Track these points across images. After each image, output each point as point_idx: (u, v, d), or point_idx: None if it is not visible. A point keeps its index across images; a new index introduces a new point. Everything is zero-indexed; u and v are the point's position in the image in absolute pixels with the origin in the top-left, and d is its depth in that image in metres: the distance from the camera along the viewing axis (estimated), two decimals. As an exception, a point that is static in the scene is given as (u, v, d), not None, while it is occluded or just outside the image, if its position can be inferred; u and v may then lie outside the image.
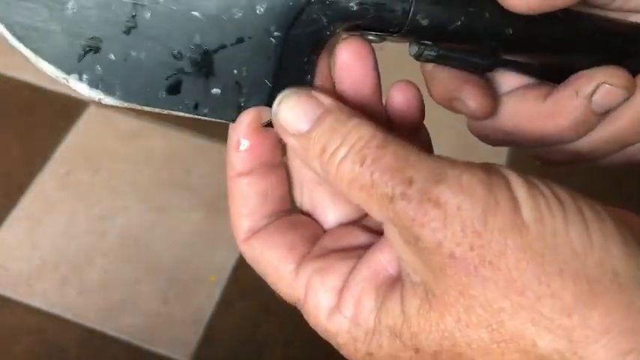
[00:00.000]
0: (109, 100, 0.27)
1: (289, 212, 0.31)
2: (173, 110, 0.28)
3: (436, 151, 0.30)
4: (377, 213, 0.26)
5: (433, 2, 0.29)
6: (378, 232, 0.29)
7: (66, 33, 0.26)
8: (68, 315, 1.09)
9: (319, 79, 0.30)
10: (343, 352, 0.28)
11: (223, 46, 0.28)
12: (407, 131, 0.31)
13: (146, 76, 0.27)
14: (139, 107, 0.27)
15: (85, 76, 0.27)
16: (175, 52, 0.27)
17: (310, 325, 0.28)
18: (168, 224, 1.20)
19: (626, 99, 0.33)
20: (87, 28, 0.26)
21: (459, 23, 0.30)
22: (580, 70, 0.33)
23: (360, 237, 0.30)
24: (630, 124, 0.34)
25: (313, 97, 0.28)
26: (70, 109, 1.34)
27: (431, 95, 0.35)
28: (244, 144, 0.29)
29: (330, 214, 0.31)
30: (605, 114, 0.33)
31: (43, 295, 1.11)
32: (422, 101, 0.31)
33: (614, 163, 0.37)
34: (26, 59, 0.27)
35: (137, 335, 1.08)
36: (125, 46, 0.27)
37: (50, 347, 1.07)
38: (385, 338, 0.26)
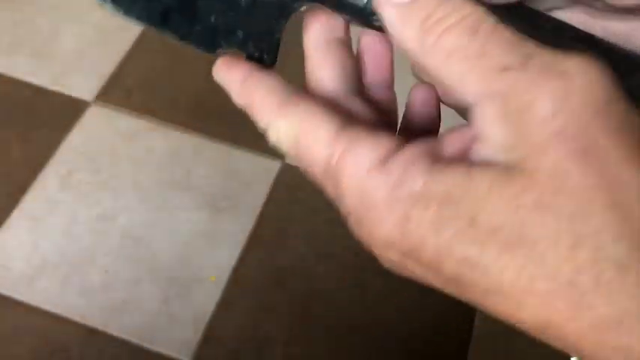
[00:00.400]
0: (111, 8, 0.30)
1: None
2: (165, 34, 0.31)
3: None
4: (474, 85, 0.24)
5: None
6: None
7: None
8: (69, 315, 1.09)
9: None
10: (372, 214, 0.25)
11: None
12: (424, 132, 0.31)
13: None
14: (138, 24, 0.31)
15: None
16: None
17: (339, 184, 0.26)
18: (169, 224, 1.20)
19: None
20: None
21: None
22: None
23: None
24: None
25: None
26: (71, 109, 1.34)
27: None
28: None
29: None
30: None
31: (45, 295, 1.11)
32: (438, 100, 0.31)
33: None
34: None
35: (138, 335, 1.08)
36: None
37: (51, 347, 1.07)
38: (435, 203, 0.24)
